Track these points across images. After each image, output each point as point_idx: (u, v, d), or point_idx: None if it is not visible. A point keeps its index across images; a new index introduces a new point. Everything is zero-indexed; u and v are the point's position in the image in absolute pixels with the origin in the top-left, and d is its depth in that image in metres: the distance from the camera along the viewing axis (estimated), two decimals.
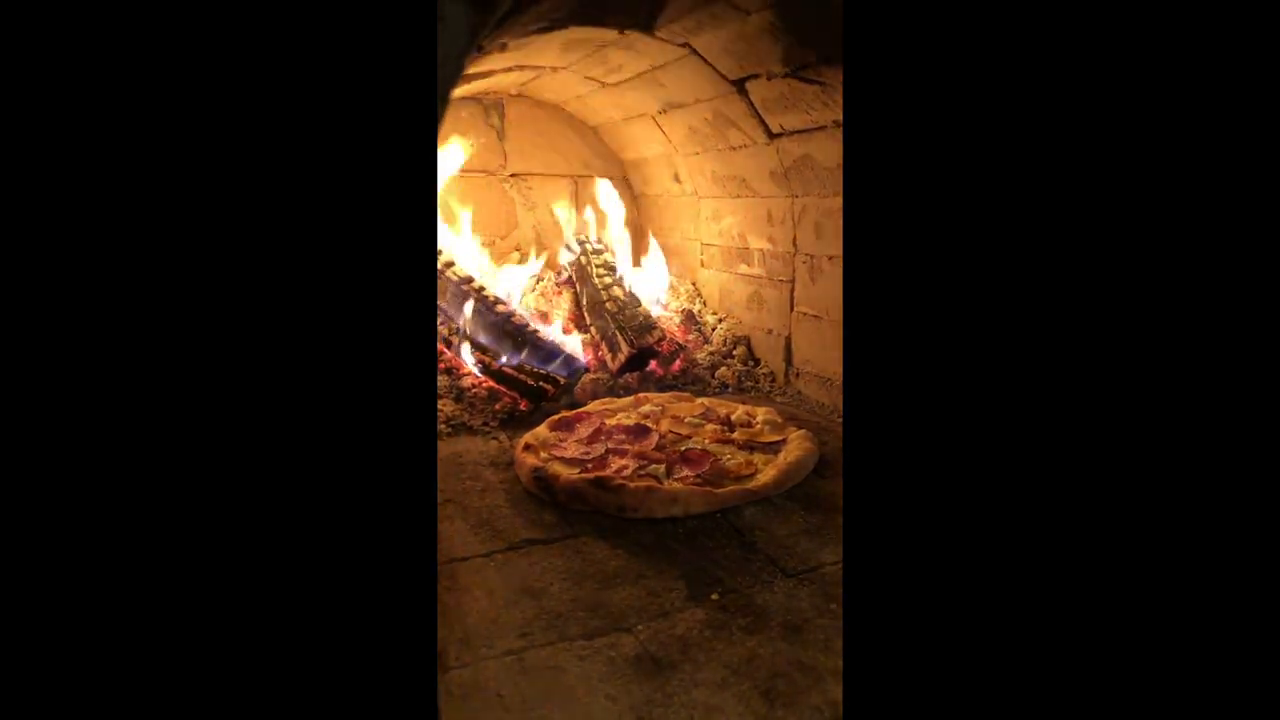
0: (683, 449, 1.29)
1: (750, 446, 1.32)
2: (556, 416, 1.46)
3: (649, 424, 1.40)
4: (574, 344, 1.87)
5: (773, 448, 1.31)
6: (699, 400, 1.56)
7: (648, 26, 1.47)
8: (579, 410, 1.51)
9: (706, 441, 1.34)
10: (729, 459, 1.26)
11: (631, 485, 1.11)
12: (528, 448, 1.30)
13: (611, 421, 1.43)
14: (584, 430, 1.39)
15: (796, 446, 1.27)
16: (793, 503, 1.15)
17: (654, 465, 1.22)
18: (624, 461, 1.24)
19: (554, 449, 1.31)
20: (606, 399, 1.62)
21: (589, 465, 1.23)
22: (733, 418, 1.44)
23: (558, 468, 1.22)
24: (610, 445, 1.31)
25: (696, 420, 1.43)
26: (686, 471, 1.20)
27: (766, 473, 1.20)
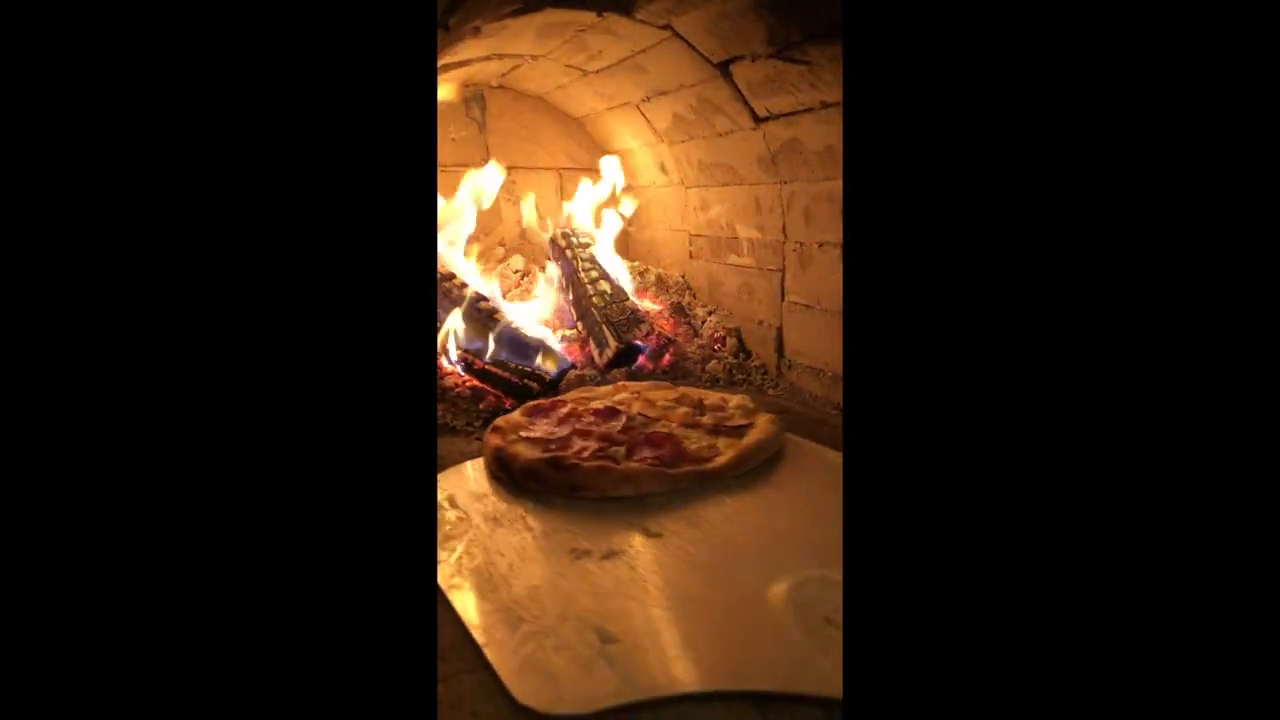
0: (648, 431, 1.25)
1: (718, 430, 1.28)
2: (533, 403, 1.43)
3: (620, 407, 1.36)
4: (560, 340, 1.82)
5: (739, 431, 1.26)
6: (678, 387, 1.52)
7: (627, 8, 1.43)
8: (556, 399, 1.47)
9: (674, 425, 1.30)
10: (692, 442, 1.22)
11: (585, 465, 1.09)
12: (495, 429, 1.27)
13: (584, 407, 1.39)
14: (558, 415, 1.35)
15: (760, 430, 1.24)
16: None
17: (615, 448, 1.18)
18: (586, 443, 1.21)
19: (521, 430, 1.28)
20: (587, 388, 1.57)
21: (551, 446, 1.20)
22: (706, 402, 1.40)
23: (520, 448, 1.19)
24: (577, 427, 1.28)
25: (669, 404, 1.39)
26: (647, 453, 1.17)
27: (725, 454, 1.16)
